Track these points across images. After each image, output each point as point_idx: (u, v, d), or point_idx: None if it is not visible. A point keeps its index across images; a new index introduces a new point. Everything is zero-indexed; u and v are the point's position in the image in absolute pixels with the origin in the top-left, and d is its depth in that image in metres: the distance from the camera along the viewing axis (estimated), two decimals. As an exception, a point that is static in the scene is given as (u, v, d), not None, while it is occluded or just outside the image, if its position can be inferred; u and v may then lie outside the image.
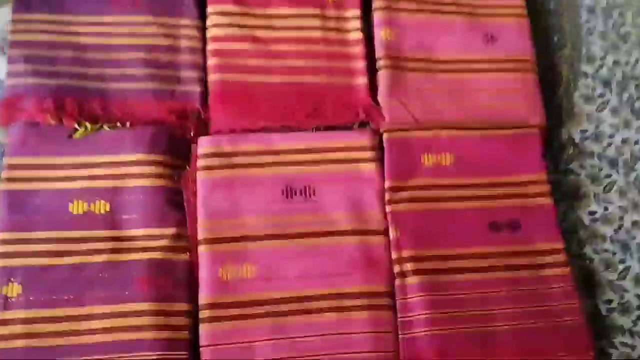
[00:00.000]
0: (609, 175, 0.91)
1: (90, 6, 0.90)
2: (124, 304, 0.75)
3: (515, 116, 0.91)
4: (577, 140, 0.94)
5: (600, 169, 0.92)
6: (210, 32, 0.92)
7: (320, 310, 0.78)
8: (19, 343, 0.73)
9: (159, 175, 0.82)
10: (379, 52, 0.93)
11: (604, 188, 0.91)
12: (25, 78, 0.84)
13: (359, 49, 0.93)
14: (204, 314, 0.77)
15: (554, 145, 0.94)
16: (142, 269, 0.77)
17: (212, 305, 0.77)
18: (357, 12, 0.95)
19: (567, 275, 0.83)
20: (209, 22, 0.92)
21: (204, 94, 0.90)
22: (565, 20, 1.01)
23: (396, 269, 0.81)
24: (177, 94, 0.88)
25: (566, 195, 0.91)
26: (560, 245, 0.84)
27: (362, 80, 0.91)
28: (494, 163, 0.88)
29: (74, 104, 0.84)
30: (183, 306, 0.77)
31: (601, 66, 0.98)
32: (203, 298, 0.78)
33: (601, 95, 0.96)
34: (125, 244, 0.79)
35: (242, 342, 0.76)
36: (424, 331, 0.78)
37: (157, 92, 0.87)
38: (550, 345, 0.79)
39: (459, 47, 0.94)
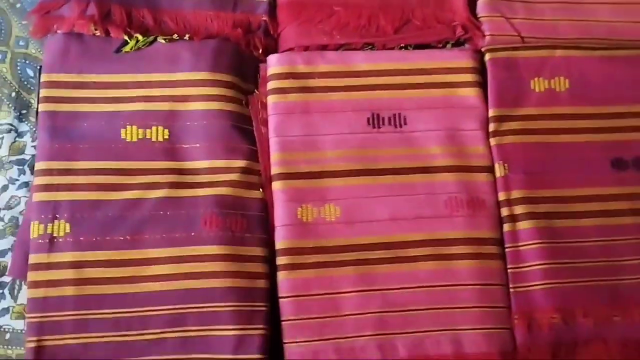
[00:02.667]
0: None
1: None
2: (189, 246, 0.63)
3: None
4: None
5: None
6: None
7: (416, 259, 0.67)
8: (68, 290, 0.62)
9: (225, 98, 0.69)
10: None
11: None
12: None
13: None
14: (281, 260, 0.65)
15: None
16: (209, 207, 0.65)
17: (290, 251, 0.66)
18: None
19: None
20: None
21: (272, 4, 0.76)
22: None
23: (505, 212, 0.69)
24: (240, 4, 0.75)
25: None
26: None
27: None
28: (617, 89, 0.74)
29: (121, 12, 0.71)
30: (258, 250, 0.65)
31: None
32: (280, 242, 0.66)
33: None
34: (188, 178, 0.66)
35: (326, 294, 0.65)
36: (540, 284, 0.66)
37: (217, 1, 0.74)
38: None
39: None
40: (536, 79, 0.74)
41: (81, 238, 0.63)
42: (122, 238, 0.63)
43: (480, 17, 0.76)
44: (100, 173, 0.65)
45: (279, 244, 0.66)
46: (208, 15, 0.73)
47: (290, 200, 0.67)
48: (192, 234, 0.64)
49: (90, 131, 0.66)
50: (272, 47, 0.75)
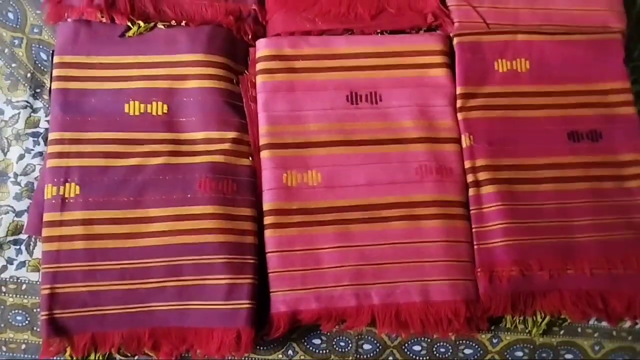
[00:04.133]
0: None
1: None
2: (186, 206, 0.71)
3: (595, 20, 0.84)
4: (658, 49, 0.87)
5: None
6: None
7: (389, 219, 0.74)
8: (78, 244, 0.69)
9: (218, 77, 0.77)
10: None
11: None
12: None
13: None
14: (268, 219, 0.73)
15: (634, 55, 0.87)
16: (204, 172, 0.72)
17: (276, 212, 0.73)
18: None
19: (651, 186, 0.77)
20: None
21: (262, -5, 0.84)
22: None
23: (470, 178, 0.76)
24: (231, 5, 0.82)
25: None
26: (644, 155, 0.79)
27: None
28: (573, 70, 0.82)
29: (125, 1, 0.79)
30: (247, 211, 0.73)
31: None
32: (267, 204, 0.74)
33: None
34: (184, 147, 0.74)
35: (308, 249, 0.72)
36: (501, 241, 0.74)
37: (212, -7, 0.82)
38: (636, 257, 0.74)
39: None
40: (499, 60, 0.82)
41: (90, 199, 0.71)
42: (125, 199, 0.71)
43: (450, 5, 0.84)
44: (106, 142, 0.73)
45: (266, 205, 0.74)
46: (203, 4, 0.81)
47: (277, 167, 0.75)
48: (188, 195, 0.71)
49: (98, 106, 0.74)
50: (261, 33, 0.83)
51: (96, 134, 0.73)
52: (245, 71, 0.80)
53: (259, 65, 0.79)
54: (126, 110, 0.75)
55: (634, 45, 0.88)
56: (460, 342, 0.75)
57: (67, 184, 0.71)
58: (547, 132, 0.79)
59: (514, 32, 0.82)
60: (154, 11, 0.80)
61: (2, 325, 0.73)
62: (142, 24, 0.78)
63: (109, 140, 0.73)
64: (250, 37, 0.82)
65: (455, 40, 0.82)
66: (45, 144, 0.76)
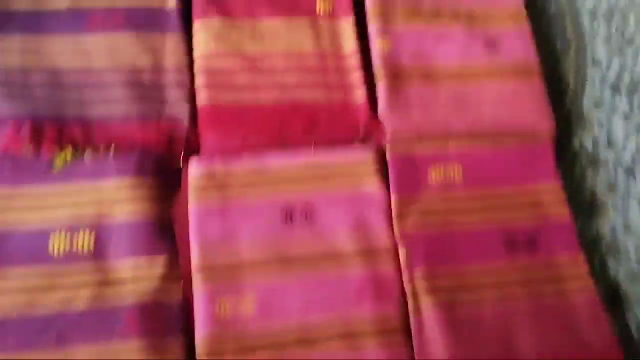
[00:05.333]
0: (626, 184, 0.86)
1: (66, 26, 0.85)
2: (112, 342, 0.68)
3: (524, 124, 0.86)
4: (589, 148, 0.89)
5: (616, 177, 0.87)
6: (197, 49, 0.87)
7: (327, 339, 0.72)
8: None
9: (147, 200, 0.75)
10: (376, 63, 0.88)
11: (622, 197, 0.85)
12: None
13: (355, 61, 0.88)
14: (201, 350, 0.70)
15: (566, 155, 0.89)
16: (132, 304, 0.70)
17: (210, 342, 0.70)
18: (350, 21, 0.90)
19: (591, 287, 0.77)
20: (195, 38, 0.87)
21: (193, 114, 0.84)
22: (567, 24, 0.97)
23: (408, 288, 0.75)
24: (163, 116, 0.82)
25: (582, 207, 0.85)
26: (581, 256, 0.79)
27: (360, 94, 0.86)
28: (506, 174, 0.83)
29: (53, 129, 0.78)
30: (178, 340, 0.70)
31: (608, 70, 0.93)
32: (200, 335, 0.71)
33: (611, 101, 0.91)
34: (113, 275, 0.72)
35: (243, 379, 0.69)
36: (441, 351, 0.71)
37: (142, 114, 0.82)
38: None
39: (460, 55, 0.90)
40: (433, 167, 0.82)
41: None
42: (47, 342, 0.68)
43: (382, 116, 0.85)
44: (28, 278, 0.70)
45: (199, 337, 0.71)
46: (134, 127, 0.81)
47: (210, 295, 0.73)
48: (115, 328, 0.68)
49: (20, 241, 0.72)
50: (194, 152, 0.82)
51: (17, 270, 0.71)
52: (177, 193, 0.79)
53: (191, 187, 0.78)
54: (50, 247, 0.72)
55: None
56: None
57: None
58: (484, 239, 0.79)
59: (445, 139, 0.83)
60: (83, 136, 0.79)
61: None
62: (69, 153, 0.77)
63: (31, 275, 0.70)
64: (182, 156, 0.81)
65: (388, 151, 0.82)
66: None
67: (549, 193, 0.82)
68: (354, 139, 0.85)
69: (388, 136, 0.84)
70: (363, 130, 0.84)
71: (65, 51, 0.84)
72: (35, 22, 0.85)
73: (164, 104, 0.83)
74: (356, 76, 0.87)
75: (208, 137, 0.82)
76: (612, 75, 0.92)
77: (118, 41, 0.85)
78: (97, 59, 0.84)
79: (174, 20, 0.88)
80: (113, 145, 0.79)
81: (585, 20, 0.97)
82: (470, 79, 0.88)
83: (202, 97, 0.84)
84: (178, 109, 0.83)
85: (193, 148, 0.82)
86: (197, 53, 0.87)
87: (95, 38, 0.85)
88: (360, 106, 0.86)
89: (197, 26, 0.87)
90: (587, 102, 0.91)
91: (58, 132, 0.78)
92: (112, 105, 0.82)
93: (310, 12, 0.90)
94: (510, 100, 0.87)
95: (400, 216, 0.79)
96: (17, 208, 0.74)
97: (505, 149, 0.84)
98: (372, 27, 0.90)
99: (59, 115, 0.79)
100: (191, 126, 0.83)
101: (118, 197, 0.75)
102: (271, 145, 0.83)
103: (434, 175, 0.82)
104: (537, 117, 0.86)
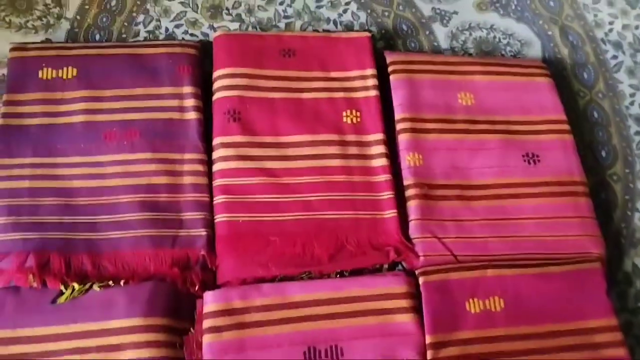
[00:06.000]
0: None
1: (80, 145, 0.81)
2: None
3: (570, 248, 0.79)
4: (644, 270, 0.81)
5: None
6: (216, 167, 0.82)
7: None
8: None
9: (157, 344, 0.69)
10: (407, 179, 0.82)
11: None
12: (5, 234, 0.73)
13: (384, 178, 0.82)
14: None
15: (617, 278, 0.81)
16: None
17: None
18: (380, 136, 0.85)
19: None
20: (214, 155, 0.82)
21: (211, 237, 0.78)
22: (612, 132, 0.90)
23: None
24: (179, 240, 0.77)
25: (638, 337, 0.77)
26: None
27: (390, 214, 0.80)
28: (553, 307, 0.74)
29: (60, 260, 0.73)
30: None
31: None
32: None
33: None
34: None
35: None
36: None
37: (157, 239, 0.76)
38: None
39: (497, 170, 0.83)
40: (471, 300, 0.74)
41: None
42: None
43: (413, 238, 0.78)
44: None
45: None
46: (147, 255, 0.75)
47: None
48: None
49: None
50: (211, 280, 0.76)
51: None
52: (191, 329, 0.72)
53: (206, 323, 0.72)
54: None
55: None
56: None
57: None
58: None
59: (483, 267, 0.76)
60: (93, 268, 0.74)
61: None
62: (76, 286, 0.72)
63: None
64: (197, 287, 0.75)
65: (421, 280, 0.75)
66: None
67: (604, 332, 0.73)
68: (383, 264, 0.78)
69: (420, 261, 0.77)
70: (393, 253, 0.77)
71: (78, 171, 0.80)
72: (48, 138, 0.81)
73: (180, 227, 0.78)
74: (386, 194, 0.81)
75: (226, 265, 0.76)
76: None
77: (134, 160, 0.81)
78: (110, 178, 0.80)
79: (194, 136, 0.83)
80: (123, 279, 0.73)
81: (632, 126, 0.91)
82: (509, 196, 0.82)
83: (221, 218, 0.79)
84: (195, 232, 0.78)
85: (209, 276, 0.76)
86: (216, 170, 0.82)
87: (110, 157, 0.81)
88: (389, 227, 0.79)
89: (218, 142, 0.83)
90: (639, 220, 0.84)
91: (65, 264, 0.73)
92: (125, 229, 0.76)
93: (337, 126, 0.85)
94: (554, 219, 0.80)
95: (436, 357, 0.71)
96: (20, 353, 0.68)
97: (552, 278, 0.76)
98: (402, 140, 0.84)
99: (67, 244, 0.74)
100: (208, 250, 0.77)
101: (126, 341, 0.68)
102: (294, 272, 0.76)
103: (473, 309, 0.74)
104: (585, 239, 0.79)
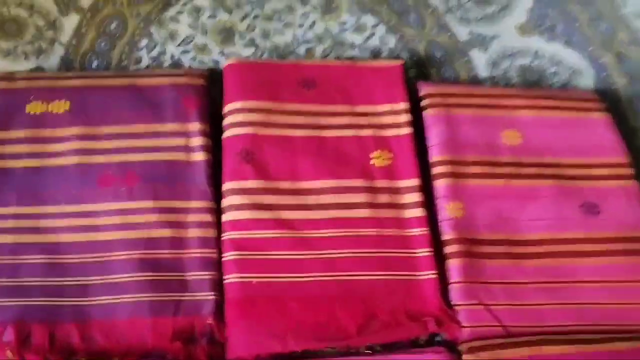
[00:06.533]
0: None
1: (71, 192, 0.70)
2: None
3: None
4: None
5: None
6: (226, 217, 0.71)
7: None
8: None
9: None
10: (446, 233, 0.71)
11: None
12: (-20, 301, 0.63)
13: (420, 232, 0.71)
14: None
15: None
16: None
17: None
18: (415, 181, 0.74)
19: None
20: (224, 203, 0.72)
21: (219, 302, 0.67)
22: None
23: None
24: (183, 307, 0.66)
25: None
26: None
27: (427, 275, 0.69)
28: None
29: (43, 332, 0.62)
30: None
31: None
32: None
33: None
34: None
35: None
36: None
37: (157, 305, 0.66)
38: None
39: (551, 222, 0.72)
40: (524, 380, 0.63)
41: None
42: None
43: (455, 305, 0.67)
44: None
45: None
46: (145, 324, 0.64)
47: None
48: None
49: None
50: (219, 354, 0.65)
51: None
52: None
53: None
54: None
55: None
56: None
57: None
58: None
59: (538, 343, 0.64)
60: (81, 341, 0.63)
61: None
62: (60, 365, 0.61)
63: None
64: (203, 365, 0.64)
65: (465, 357, 0.64)
66: None
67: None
68: (420, 336, 0.67)
69: (464, 334, 0.66)
70: (432, 324, 0.66)
71: (67, 222, 0.69)
72: (35, 183, 0.71)
73: (184, 290, 0.67)
74: (422, 252, 0.70)
75: (237, 336, 0.65)
76: None
77: (133, 209, 0.70)
78: (105, 231, 0.69)
79: (201, 180, 0.72)
80: (116, 357, 0.62)
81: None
82: (567, 254, 0.70)
83: (231, 278, 0.68)
84: (201, 296, 0.67)
85: (217, 350, 0.65)
86: (225, 220, 0.71)
87: (105, 206, 0.70)
88: (427, 291, 0.68)
89: (228, 188, 0.72)
90: None
91: (49, 337, 0.62)
92: (119, 293, 0.66)
93: (364, 169, 0.74)
94: (621, 283, 0.69)
95: None
96: None
97: (619, 356, 0.64)
98: (440, 187, 0.73)
99: (52, 312, 0.64)
100: (216, 318, 0.66)
101: None
102: (317, 347, 0.65)
103: (527, 394, 0.63)
104: (658, 308, 0.67)
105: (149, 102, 0.76)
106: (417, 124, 0.78)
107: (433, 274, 0.69)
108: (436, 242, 0.71)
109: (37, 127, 0.74)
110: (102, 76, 0.79)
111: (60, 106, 0.75)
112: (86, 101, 0.75)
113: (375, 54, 0.86)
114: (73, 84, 0.77)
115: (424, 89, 0.80)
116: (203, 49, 0.85)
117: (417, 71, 0.86)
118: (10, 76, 0.78)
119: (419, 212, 0.72)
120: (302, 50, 0.86)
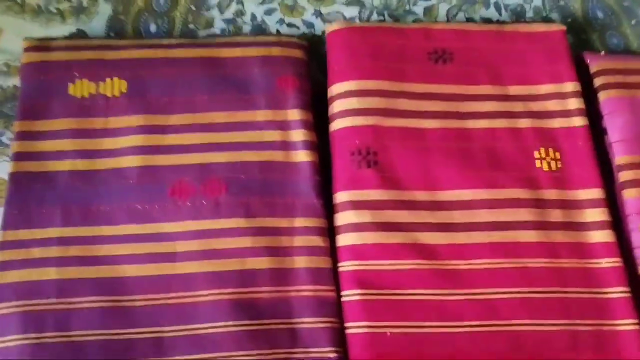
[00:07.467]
0: None
1: (135, 206, 0.52)
2: None
3: None
4: None
5: None
6: (343, 240, 0.53)
7: None
8: None
9: None
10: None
11: None
12: None
13: (611, 263, 0.52)
14: None
15: None
16: None
17: None
18: (597, 192, 0.55)
19: None
20: (338, 221, 0.54)
21: (342, 360, 0.49)
22: None
23: None
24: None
25: None
26: None
27: (627, 325, 0.51)
28: None
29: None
30: None
31: None
32: None
33: None
34: None
35: None
36: None
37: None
38: None
39: None
40: None
41: None
42: None
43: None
44: None
45: None
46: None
47: None
48: None
49: None
50: None
51: None
52: None
53: None
54: None
55: None
56: None
57: None
58: None
59: None
60: None
61: None
62: None
63: None
64: None
65: None
66: None
67: None
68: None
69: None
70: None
71: (131, 249, 0.51)
72: (85, 193, 0.53)
73: (292, 345, 0.49)
74: (616, 292, 0.51)
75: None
76: None
77: (217, 228, 0.52)
78: (181, 262, 0.51)
79: (307, 190, 0.54)
80: None
81: None
82: None
83: (357, 328, 0.50)
84: (316, 352, 0.49)
85: None
86: (343, 245, 0.53)
87: (180, 224, 0.52)
88: (626, 347, 0.50)
89: (343, 201, 0.54)
90: None
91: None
92: (204, 350, 0.48)
93: (528, 175, 0.55)
94: None
95: None
96: None
97: None
98: (630, 200, 0.54)
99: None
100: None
101: None
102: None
103: None
104: None
105: (232, 82, 0.57)
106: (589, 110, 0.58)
107: (633, 323, 0.50)
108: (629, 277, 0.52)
109: (84, 116, 0.55)
110: (167, 45, 0.59)
111: (114, 86, 0.56)
112: (148, 80, 0.56)
113: (517, 15, 0.66)
114: (129, 56, 0.58)
115: (595, 64, 0.59)
116: (292, 8, 0.65)
117: (574, 38, 0.65)
118: (44, 44, 0.58)
119: (606, 236, 0.53)
120: (419, 8, 0.66)
